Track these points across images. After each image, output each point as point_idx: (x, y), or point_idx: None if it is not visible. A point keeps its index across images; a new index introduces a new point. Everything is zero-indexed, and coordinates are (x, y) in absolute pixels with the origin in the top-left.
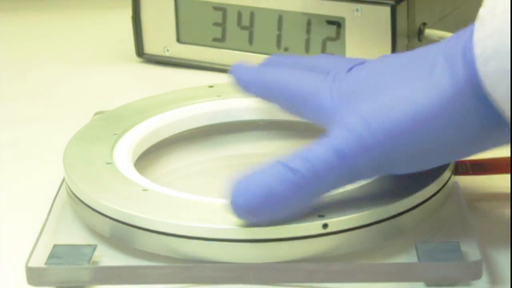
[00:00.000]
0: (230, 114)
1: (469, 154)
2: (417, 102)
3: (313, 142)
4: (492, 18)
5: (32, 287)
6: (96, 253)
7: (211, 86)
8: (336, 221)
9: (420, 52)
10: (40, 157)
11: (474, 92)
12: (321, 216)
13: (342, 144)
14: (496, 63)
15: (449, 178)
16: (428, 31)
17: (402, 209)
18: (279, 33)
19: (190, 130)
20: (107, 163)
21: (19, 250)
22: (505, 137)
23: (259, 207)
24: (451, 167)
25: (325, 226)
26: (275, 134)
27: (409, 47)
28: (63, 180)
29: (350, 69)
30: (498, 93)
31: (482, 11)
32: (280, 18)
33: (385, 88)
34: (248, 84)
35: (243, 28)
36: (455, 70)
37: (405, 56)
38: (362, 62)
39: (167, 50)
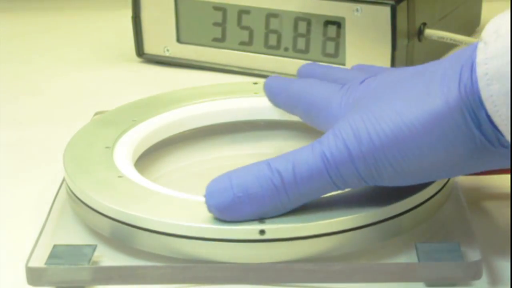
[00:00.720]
0: (230, 114)
1: (456, 175)
2: (406, 116)
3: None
4: (495, 40)
5: (32, 287)
6: (96, 253)
7: (210, 86)
8: (337, 221)
9: (422, 68)
10: (40, 157)
11: (463, 114)
12: None
13: (328, 149)
14: (499, 85)
15: (449, 178)
16: (428, 31)
17: (402, 209)
18: (279, 33)
19: (190, 130)
20: (107, 163)
21: (19, 250)
22: (494, 162)
23: (230, 207)
24: None
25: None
26: (275, 134)
27: (409, 47)
28: (63, 180)
29: (363, 80)
30: (499, 114)
31: (485, 33)
32: (281, 18)
33: (380, 100)
34: (275, 96)
35: (243, 28)
36: (448, 89)
37: (409, 70)
38: (380, 74)
39: (167, 50)
